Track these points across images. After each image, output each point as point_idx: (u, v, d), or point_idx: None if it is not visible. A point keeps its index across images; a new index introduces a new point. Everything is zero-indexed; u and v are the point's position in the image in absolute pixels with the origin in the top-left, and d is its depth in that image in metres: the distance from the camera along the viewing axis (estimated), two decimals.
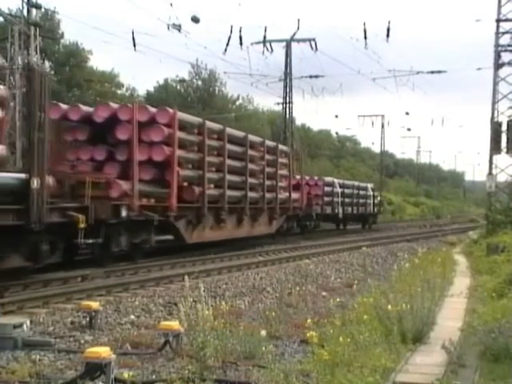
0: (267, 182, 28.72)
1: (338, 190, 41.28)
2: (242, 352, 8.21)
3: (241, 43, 36.89)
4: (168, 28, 31.02)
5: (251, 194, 26.92)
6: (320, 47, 48.31)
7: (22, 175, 14.65)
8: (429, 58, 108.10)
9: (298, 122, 75.08)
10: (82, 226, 15.97)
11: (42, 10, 40.84)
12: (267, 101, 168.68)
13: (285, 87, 52.91)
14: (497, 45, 30.17)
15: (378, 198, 51.38)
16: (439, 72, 45.23)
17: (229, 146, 24.93)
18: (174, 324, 8.58)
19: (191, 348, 8.09)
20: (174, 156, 20.77)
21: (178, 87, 68.17)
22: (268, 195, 28.75)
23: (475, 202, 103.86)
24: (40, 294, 13.23)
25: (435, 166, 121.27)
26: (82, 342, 9.34)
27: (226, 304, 11.14)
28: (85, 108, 21.50)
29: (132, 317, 11.28)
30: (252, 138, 27.89)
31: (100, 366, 6.65)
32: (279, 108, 56.77)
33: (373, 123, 70.91)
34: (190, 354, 8.04)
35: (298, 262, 21.38)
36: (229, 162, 24.84)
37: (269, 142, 30.26)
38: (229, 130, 25.46)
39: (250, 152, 27.04)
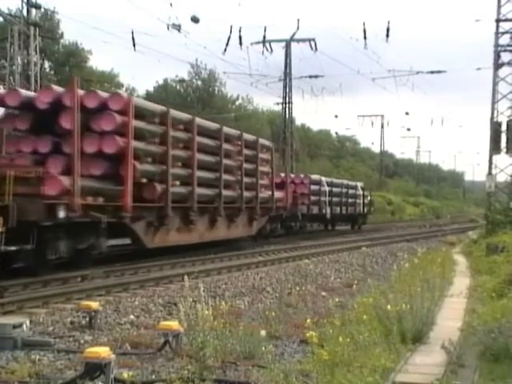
0: (246, 180, 26.27)
1: (326, 188, 39.01)
2: (241, 352, 8.21)
3: (240, 43, 37.03)
4: (168, 28, 31.13)
5: (226, 193, 24.55)
6: (320, 47, 48.47)
7: None
8: (428, 58, 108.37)
9: (298, 122, 75.25)
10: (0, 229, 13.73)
11: (42, 10, 40.90)
12: (267, 101, 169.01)
13: (284, 87, 53.02)
14: (496, 45, 30.17)
15: (369, 198, 48.82)
16: (439, 72, 45.34)
17: (199, 139, 22.25)
18: (174, 324, 8.58)
19: (191, 348, 8.08)
20: (128, 148, 18.00)
21: (178, 87, 68.29)
22: (247, 194, 26.35)
23: (475, 201, 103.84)
24: (40, 293, 13.23)
25: (435, 166, 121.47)
26: (82, 342, 9.33)
27: (226, 304, 11.14)
28: (25, 92, 19.46)
29: (132, 317, 11.28)
30: (227, 130, 25.46)
31: (100, 366, 6.65)
32: (279, 108, 56.96)
33: (372, 123, 71.19)
34: (189, 354, 8.04)
35: (297, 261, 21.38)
36: (199, 156, 22.16)
37: (247, 136, 27.52)
38: (199, 121, 22.96)
39: (225, 146, 24.56)
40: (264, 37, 43.96)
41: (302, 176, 37.94)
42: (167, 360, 8.20)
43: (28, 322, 9.26)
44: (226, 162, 24.51)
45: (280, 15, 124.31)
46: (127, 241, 20.55)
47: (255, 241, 28.74)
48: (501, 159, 31.66)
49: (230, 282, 15.82)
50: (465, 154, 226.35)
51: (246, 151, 26.54)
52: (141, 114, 19.13)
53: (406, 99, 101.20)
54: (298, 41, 50.81)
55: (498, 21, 30.13)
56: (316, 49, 48.38)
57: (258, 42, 45.46)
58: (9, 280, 14.04)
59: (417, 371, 7.42)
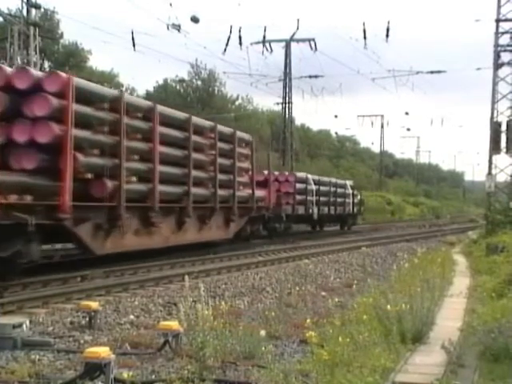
0: (220, 177, 23.90)
1: (313, 187, 36.65)
2: (241, 352, 8.21)
3: (240, 43, 37.08)
4: (167, 28, 31.16)
5: (197, 191, 21.99)
6: (319, 47, 48.59)
7: None
8: (428, 58, 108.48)
9: (298, 122, 75.35)
10: None
11: (42, 9, 40.88)
12: (267, 101, 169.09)
13: (284, 87, 53.11)
14: (496, 45, 30.17)
15: (359, 197, 46.30)
16: (439, 72, 45.41)
17: (162, 129, 19.69)
18: (174, 324, 8.58)
19: (191, 348, 8.08)
20: (67, 137, 15.30)
21: (178, 87, 68.32)
22: (222, 192, 23.99)
23: (475, 201, 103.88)
24: (39, 293, 13.22)
25: (435, 166, 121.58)
26: (82, 342, 9.33)
27: (226, 304, 11.13)
28: None
29: (131, 317, 11.28)
30: (198, 121, 23.04)
31: (99, 366, 6.64)
32: (279, 108, 57.04)
33: (372, 123, 71.26)
34: (189, 354, 8.04)
35: (297, 261, 21.38)
36: (162, 149, 19.59)
37: (222, 128, 25.13)
38: (162, 109, 20.27)
39: (196, 138, 21.97)
40: (264, 37, 44.07)
41: (286, 173, 36.06)
42: (167, 360, 8.20)
43: (28, 322, 9.25)
44: (196, 156, 21.95)
45: (280, 15, 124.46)
46: (70, 246, 18.13)
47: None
48: (501, 159, 31.71)
49: (229, 282, 15.82)
50: (465, 154, 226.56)
51: (220, 145, 24.10)
52: (86, 97, 16.42)
53: (406, 99, 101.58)
54: (298, 41, 50.90)
55: (497, 21, 30.13)
56: (316, 49, 48.52)
57: (257, 42, 45.58)
58: (9, 280, 14.04)
59: (417, 371, 7.42)
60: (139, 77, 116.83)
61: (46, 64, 51.56)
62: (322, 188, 38.03)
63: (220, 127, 24.64)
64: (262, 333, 8.58)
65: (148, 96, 64.55)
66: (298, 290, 14.48)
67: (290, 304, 12.65)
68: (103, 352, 6.70)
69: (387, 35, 36.51)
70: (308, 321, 10.01)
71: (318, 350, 7.46)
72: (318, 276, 18.00)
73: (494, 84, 30.52)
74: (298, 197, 34.58)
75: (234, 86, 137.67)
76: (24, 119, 15.37)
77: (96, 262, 17.38)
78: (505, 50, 30.51)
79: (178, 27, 31.42)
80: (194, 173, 21.81)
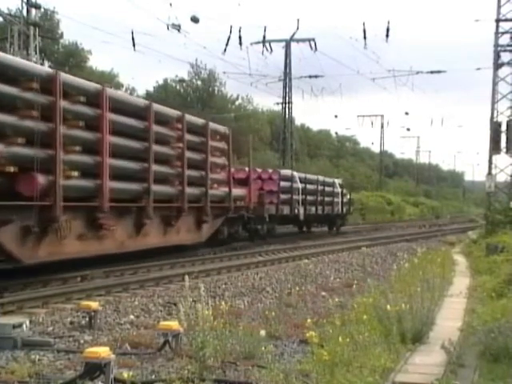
0: (189, 173, 21.36)
1: (299, 185, 34.27)
2: (241, 352, 8.22)
3: (240, 43, 37.05)
4: (167, 28, 31.14)
5: (159, 188, 19.54)
6: (319, 47, 48.63)
7: None
8: (428, 57, 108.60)
9: (298, 121, 75.44)
10: None
11: (42, 9, 40.88)
12: (267, 101, 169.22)
13: (284, 87, 53.14)
14: (496, 45, 30.18)
15: (348, 196, 43.81)
16: (439, 72, 45.46)
17: (114, 117, 17.16)
18: (174, 324, 8.58)
19: (191, 348, 8.08)
20: None
21: (178, 87, 68.36)
22: (191, 190, 21.51)
23: (474, 201, 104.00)
24: (39, 293, 13.22)
25: (435, 166, 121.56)
26: (82, 341, 9.33)
27: (226, 304, 11.13)
28: None
29: (131, 317, 11.28)
30: (161, 108, 20.46)
31: (99, 366, 6.65)
32: (279, 108, 57.08)
33: (372, 123, 71.29)
34: (189, 354, 8.04)
35: (297, 261, 21.37)
36: (114, 139, 17.01)
37: (192, 118, 22.66)
38: (113, 94, 17.92)
39: (158, 129, 19.47)
40: (264, 37, 44.06)
41: (270, 171, 33.21)
42: (167, 360, 8.20)
43: (28, 322, 9.26)
44: (158, 149, 19.43)
45: (280, 15, 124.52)
46: None
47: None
48: (501, 159, 31.78)
49: (229, 282, 15.82)
50: (465, 154, 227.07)
51: (189, 137, 21.59)
52: (8, 75, 14.07)
53: (406, 99, 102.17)
54: (298, 41, 50.94)
55: (497, 21, 30.14)
56: (316, 49, 48.56)
57: (257, 42, 45.59)
58: (9, 280, 14.05)
59: (416, 371, 7.43)
60: (139, 77, 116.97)
61: (46, 64, 51.52)
62: (308, 186, 35.64)
63: (189, 117, 22.06)
64: (262, 333, 8.58)
65: (148, 96, 64.67)
66: (298, 290, 14.48)
67: (290, 304, 12.65)
68: (103, 352, 6.70)
69: (387, 35, 36.56)
70: (308, 321, 10.00)
71: (318, 350, 7.46)
72: (318, 276, 17.99)
73: (494, 84, 30.53)
74: (283, 196, 32.31)
75: (234, 86, 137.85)
76: None
77: (96, 262, 17.38)
78: (505, 50, 30.53)
79: (177, 27, 31.42)
80: (156, 168, 19.19)
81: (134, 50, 31.68)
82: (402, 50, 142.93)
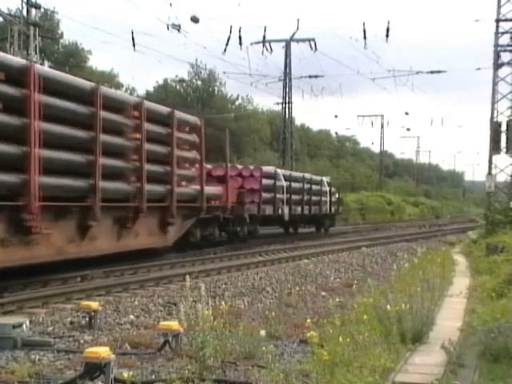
0: (150, 168, 18.67)
1: (283, 183, 32.04)
2: (241, 352, 8.22)
3: (240, 43, 37.08)
4: (167, 28, 31.15)
5: (110, 185, 16.91)
6: (319, 47, 48.64)
7: None
8: (428, 57, 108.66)
9: (298, 122, 75.44)
10: None
11: (42, 9, 40.87)
12: (267, 101, 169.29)
13: (284, 87, 53.12)
14: (496, 45, 30.18)
15: (337, 196, 41.52)
16: (439, 72, 45.48)
17: (46, 100, 14.44)
18: (174, 324, 8.58)
19: (190, 348, 8.09)
20: None
21: (178, 87, 68.31)
22: (152, 188, 18.89)
23: (474, 201, 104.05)
24: (39, 293, 13.23)
25: (435, 166, 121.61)
26: (82, 341, 9.34)
27: (226, 304, 11.14)
28: None
29: (131, 317, 11.28)
30: (112, 93, 18.41)
31: (99, 366, 6.65)
32: (279, 108, 57.06)
33: (372, 123, 71.29)
34: (189, 354, 8.04)
35: (297, 262, 21.37)
36: (46, 126, 14.39)
37: (154, 105, 20.06)
38: (43, 72, 15.06)
39: (108, 116, 16.72)
40: (264, 37, 44.06)
41: (251, 168, 30.86)
42: (167, 360, 8.20)
43: (28, 322, 9.27)
44: (107, 139, 16.62)
45: (280, 15, 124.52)
46: None
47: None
48: (501, 159, 31.75)
49: (229, 282, 15.82)
50: (465, 154, 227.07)
51: (150, 127, 18.86)
52: None
53: (406, 99, 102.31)
54: (298, 41, 50.94)
55: (497, 21, 30.14)
56: (316, 49, 48.56)
57: (257, 42, 45.58)
58: (9, 280, 14.05)
59: (416, 371, 7.43)
60: (139, 77, 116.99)
61: (46, 64, 51.52)
62: (293, 185, 33.43)
63: (150, 104, 19.49)
64: (262, 333, 8.58)
65: (148, 96, 64.67)
66: (298, 290, 14.48)
67: (290, 304, 12.65)
68: (103, 352, 6.70)
69: (387, 35, 36.58)
70: (308, 321, 10.01)
71: (318, 350, 7.46)
72: (318, 276, 17.99)
73: (494, 84, 30.53)
74: (265, 194, 29.99)
75: (234, 86, 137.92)
76: None
77: (96, 262, 17.38)
78: (505, 50, 30.53)
79: (177, 27, 31.43)
80: (106, 161, 16.50)
81: (134, 49, 31.75)
82: (401, 50, 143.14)
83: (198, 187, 22.29)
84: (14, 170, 13.83)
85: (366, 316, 9.76)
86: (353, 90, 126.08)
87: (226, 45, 36.98)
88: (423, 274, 14.03)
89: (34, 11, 34.57)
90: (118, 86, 60.38)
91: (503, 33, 30.39)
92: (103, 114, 16.37)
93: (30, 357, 8.28)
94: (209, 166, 27.02)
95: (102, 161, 16.25)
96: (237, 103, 70.85)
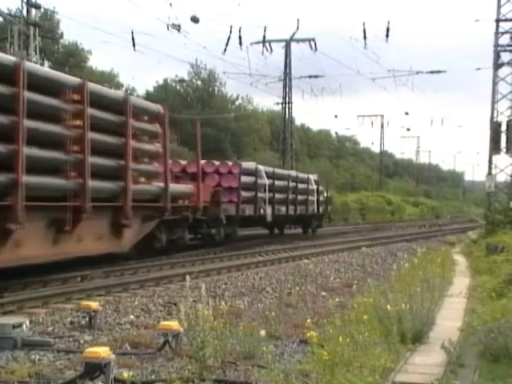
0: (96, 161, 15.87)
1: (265, 181, 29.46)
2: (241, 352, 8.22)
3: (240, 43, 37.13)
4: (167, 28, 31.21)
5: (39, 181, 14.28)
6: (319, 47, 48.64)
7: None
8: (428, 58, 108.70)
9: (298, 121, 75.42)
10: None
11: (42, 9, 40.89)
12: (267, 101, 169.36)
13: (284, 87, 53.10)
14: (496, 45, 30.20)
15: (325, 195, 38.99)
16: (439, 72, 45.54)
17: None
18: (174, 324, 8.58)
19: (191, 348, 8.09)
20: None
21: (178, 87, 68.31)
22: (99, 184, 16.14)
23: (474, 201, 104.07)
24: (39, 293, 13.23)
25: (435, 166, 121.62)
26: (82, 341, 9.34)
27: (226, 304, 11.14)
28: None
29: (131, 317, 11.28)
30: (40, 70, 15.76)
31: (99, 366, 6.65)
32: (279, 108, 57.02)
33: (372, 123, 71.30)
34: (189, 354, 8.04)
35: (297, 262, 21.37)
36: None
37: (101, 88, 17.66)
38: None
39: (34, 98, 13.96)
40: (264, 37, 44.10)
41: (230, 164, 28.03)
42: (167, 360, 8.20)
43: (28, 322, 9.26)
44: (34, 125, 13.93)
45: (280, 15, 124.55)
46: None
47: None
48: (501, 159, 31.75)
49: (229, 282, 15.82)
50: (465, 154, 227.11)
51: (96, 113, 16.06)
52: None
53: (406, 99, 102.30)
54: (298, 41, 50.93)
55: (497, 21, 30.15)
56: (316, 49, 48.55)
57: (257, 42, 45.59)
58: (9, 280, 14.05)
59: (416, 371, 7.43)
60: (139, 77, 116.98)
61: (46, 64, 51.56)
62: (277, 183, 30.93)
63: (96, 87, 16.76)
64: (262, 333, 8.59)
65: (148, 96, 64.64)
66: (298, 290, 14.49)
67: (290, 304, 12.65)
68: (103, 352, 6.70)
69: (387, 35, 36.64)
70: (308, 321, 10.01)
71: (318, 349, 7.46)
72: (318, 276, 18.00)
73: (494, 84, 30.54)
74: (244, 193, 27.34)
75: (234, 86, 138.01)
76: None
77: (96, 262, 17.39)
78: (505, 50, 30.55)
79: (178, 27, 31.47)
80: (32, 152, 13.85)
81: (134, 49, 31.81)
82: (402, 50, 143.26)
83: (161, 184, 19.57)
84: None
85: (366, 316, 9.76)
86: (353, 89, 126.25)
87: (226, 45, 37.05)
88: (423, 273, 14.04)
89: (34, 11, 34.61)
90: (118, 85, 60.43)
91: (503, 33, 30.41)
92: (28, 95, 13.65)
93: (30, 357, 8.28)
94: (183, 162, 25.98)
95: (28, 151, 13.55)
96: (237, 103, 70.88)
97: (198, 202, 22.15)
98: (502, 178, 32.47)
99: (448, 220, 63.80)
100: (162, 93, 64.68)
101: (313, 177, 37.47)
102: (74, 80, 15.92)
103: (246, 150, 65.35)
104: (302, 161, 64.43)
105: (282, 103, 53.91)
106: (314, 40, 48.85)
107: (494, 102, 30.54)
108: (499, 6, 30.19)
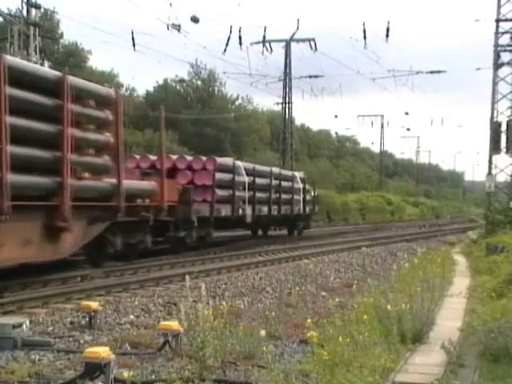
0: (16, 150, 13.24)
1: (245, 178, 27.06)
2: (241, 352, 8.22)
3: (240, 43, 37.11)
4: (167, 28, 31.22)
5: None
6: (319, 47, 48.64)
7: None
8: (428, 57, 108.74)
9: (298, 122, 75.44)
10: None
11: (42, 9, 40.89)
12: (267, 101, 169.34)
13: (284, 87, 53.09)
14: (496, 45, 30.20)
15: (312, 193, 36.46)
16: (439, 72, 45.54)
17: None
18: (174, 324, 8.58)
19: (191, 348, 8.09)
20: None
21: (178, 87, 68.29)
22: (24, 179, 13.69)
23: (474, 201, 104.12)
24: (39, 293, 13.23)
25: (435, 166, 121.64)
26: (82, 341, 9.34)
27: (226, 304, 11.14)
28: None
29: (131, 317, 11.28)
30: None
31: (99, 366, 6.65)
32: (279, 108, 57.01)
33: (372, 123, 71.32)
34: (189, 354, 8.04)
35: (297, 262, 21.38)
36: None
37: (22, 63, 15.02)
38: None
39: None
40: (264, 37, 44.09)
41: (203, 159, 25.13)
42: (167, 360, 8.20)
43: (28, 322, 9.26)
44: None
45: (280, 15, 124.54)
46: None
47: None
48: (501, 159, 31.77)
49: (229, 282, 15.82)
50: (465, 154, 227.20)
51: (16, 93, 13.34)
52: None
53: (406, 99, 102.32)
54: (298, 41, 50.93)
55: (497, 21, 30.15)
56: (316, 49, 48.54)
57: (257, 42, 45.58)
58: (9, 280, 14.05)
59: (416, 371, 7.43)
60: (139, 77, 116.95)
61: (46, 64, 51.57)
62: (258, 181, 28.48)
63: (13, 60, 14.17)
64: (262, 333, 8.59)
65: (148, 96, 64.64)
66: (298, 290, 14.49)
67: (290, 304, 12.66)
68: (103, 352, 6.70)
69: (387, 35, 36.63)
70: (308, 321, 10.01)
71: (318, 349, 7.46)
72: (318, 276, 18.00)
73: (494, 84, 30.54)
74: (220, 192, 24.94)
75: (234, 86, 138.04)
76: None
77: (96, 262, 17.39)
78: (505, 50, 30.55)
79: (178, 27, 31.47)
80: None
81: (134, 49, 31.83)
82: (402, 50, 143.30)
83: (113, 181, 17.00)
84: None
85: (366, 316, 9.76)
86: (353, 89, 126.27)
87: (226, 45, 37.03)
88: (423, 273, 14.04)
89: (34, 11, 34.61)
90: (118, 85, 60.39)
91: (503, 33, 30.40)
92: None
93: (30, 357, 8.28)
94: (152, 157, 23.73)
95: None
96: (237, 103, 70.89)
97: (162, 202, 19.85)
98: (502, 178, 32.52)
99: (448, 220, 63.81)
100: (162, 93, 64.68)
101: (298, 174, 35.30)
102: None
103: (246, 150, 65.35)
104: (301, 161, 64.43)
105: (282, 103, 53.93)
106: (314, 40, 48.88)
107: (493, 102, 30.54)
108: (499, 6, 30.20)
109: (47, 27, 46.81)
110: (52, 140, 14.72)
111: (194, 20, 33.06)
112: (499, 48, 30.28)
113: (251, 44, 44.18)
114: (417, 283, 12.09)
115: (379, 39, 37.41)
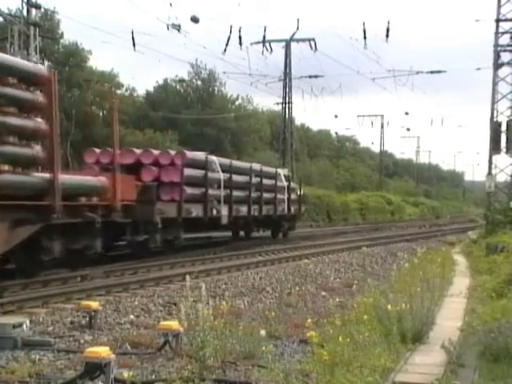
0: None
1: (220, 175, 24.52)
2: (241, 352, 8.22)
3: (240, 43, 37.12)
4: (167, 28, 31.23)
5: None
6: (319, 47, 48.66)
7: None
8: (428, 57, 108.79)
9: (298, 121, 75.31)
10: None
11: (42, 9, 40.87)
12: (267, 101, 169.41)
13: (284, 87, 53.13)
14: (496, 45, 30.21)
15: (298, 192, 33.90)
16: (439, 72, 45.58)
17: None
18: (174, 324, 8.58)
19: (191, 348, 8.09)
20: None
21: (178, 87, 68.27)
22: None
23: (474, 201, 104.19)
24: (39, 293, 13.23)
25: (435, 166, 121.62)
26: (82, 341, 9.34)
27: (226, 304, 11.14)
28: None
29: (131, 317, 11.28)
30: None
31: (99, 366, 6.65)
32: (279, 108, 57.06)
33: (372, 123, 71.32)
34: (189, 354, 8.04)
35: (297, 261, 21.38)
36: None
37: None
38: None
39: None
40: (264, 37, 44.09)
41: (171, 153, 22.65)
42: (167, 360, 8.20)
43: (28, 322, 9.26)
44: None
45: (280, 15, 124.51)
46: None
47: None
48: (501, 159, 31.77)
49: (229, 282, 15.82)
50: (465, 154, 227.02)
51: None
52: None
53: (406, 99, 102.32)
54: (298, 41, 50.96)
55: (497, 21, 30.16)
56: (316, 49, 48.58)
57: (257, 42, 45.60)
58: (9, 280, 14.05)
59: (416, 371, 7.43)
60: (139, 77, 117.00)
61: (46, 64, 51.55)
62: (236, 178, 26.01)
63: None
64: (262, 333, 8.58)
65: (148, 96, 64.63)
66: (298, 290, 14.49)
67: (290, 304, 12.65)
68: (103, 352, 6.70)
69: (387, 35, 36.66)
70: (308, 321, 10.00)
71: (318, 349, 7.46)
72: (318, 276, 18.00)
73: (494, 84, 30.55)
74: (190, 190, 22.33)
75: (234, 86, 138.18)
76: None
77: (96, 262, 17.38)
78: (505, 50, 30.56)
79: (177, 27, 31.48)
80: None
81: (134, 49, 31.82)
82: (401, 50, 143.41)
83: (46, 175, 14.75)
84: None
85: (366, 316, 9.76)
86: (353, 90, 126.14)
87: (226, 45, 37.03)
88: (423, 273, 14.04)
89: (34, 11, 34.60)
90: (119, 85, 60.38)
91: (503, 33, 30.41)
92: None
93: (30, 357, 8.28)
94: (118, 152, 19.11)
95: None
96: (237, 103, 70.83)
97: (114, 200, 17.44)
98: (502, 178, 32.53)
99: (448, 220, 63.84)
100: (162, 93, 64.69)
101: (282, 172, 33.00)
102: None
103: (246, 150, 65.36)
104: (302, 161, 64.42)
105: (282, 103, 53.97)
106: (314, 40, 48.92)
107: (493, 102, 30.55)
108: (499, 6, 30.21)
109: (47, 27, 46.77)
110: None
111: (194, 20, 33.08)
112: (499, 48, 30.29)
113: (251, 44, 44.23)
114: (417, 283, 12.09)
115: (379, 39, 37.48)
